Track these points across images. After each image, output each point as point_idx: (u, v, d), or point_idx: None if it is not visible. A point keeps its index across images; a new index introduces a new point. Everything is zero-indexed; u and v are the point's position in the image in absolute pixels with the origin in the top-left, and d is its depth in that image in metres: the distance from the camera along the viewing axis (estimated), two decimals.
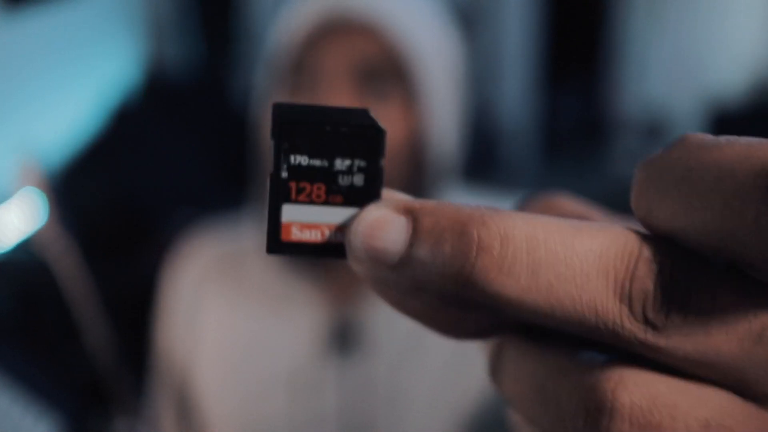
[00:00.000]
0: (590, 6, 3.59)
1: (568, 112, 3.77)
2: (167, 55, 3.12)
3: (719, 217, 0.13)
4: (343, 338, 0.63)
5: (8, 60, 1.95)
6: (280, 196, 0.15)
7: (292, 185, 0.15)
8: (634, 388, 0.14)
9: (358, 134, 0.15)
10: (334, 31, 0.59)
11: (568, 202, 0.19)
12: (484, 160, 3.10)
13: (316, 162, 0.15)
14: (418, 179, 0.63)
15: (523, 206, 0.19)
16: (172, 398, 0.70)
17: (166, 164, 2.38)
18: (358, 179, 0.16)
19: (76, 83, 2.36)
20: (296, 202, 0.16)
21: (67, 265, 1.49)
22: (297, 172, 0.15)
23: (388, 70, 0.59)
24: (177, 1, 3.10)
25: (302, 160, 0.15)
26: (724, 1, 3.21)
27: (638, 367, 0.14)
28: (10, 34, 1.95)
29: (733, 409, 0.14)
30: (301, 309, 0.64)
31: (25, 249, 1.60)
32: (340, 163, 0.15)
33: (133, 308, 1.62)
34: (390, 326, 0.62)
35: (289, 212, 0.16)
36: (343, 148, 0.15)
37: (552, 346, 0.15)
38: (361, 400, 0.61)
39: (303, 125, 0.15)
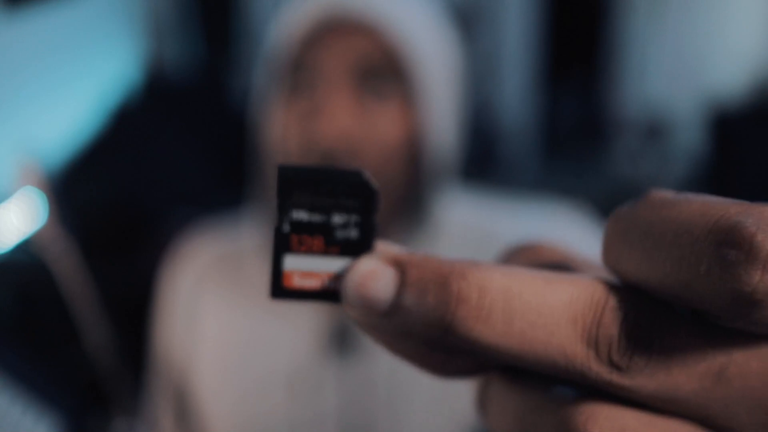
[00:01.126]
0: (590, 6, 3.59)
1: (568, 112, 3.77)
2: (167, 55, 3.12)
3: (677, 270, 0.14)
4: (343, 339, 0.63)
5: (8, 60, 1.95)
6: (282, 247, 0.17)
7: (294, 238, 0.17)
8: (603, 422, 0.15)
9: (353, 193, 0.17)
10: (333, 30, 0.59)
11: (550, 249, 0.21)
12: (483, 160, 3.10)
13: (316, 217, 0.17)
14: (417, 179, 0.63)
15: (509, 252, 0.21)
16: (171, 397, 0.70)
17: (165, 164, 2.38)
18: (354, 233, 0.17)
19: (76, 83, 2.36)
20: (297, 252, 0.17)
21: (67, 266, 1.49)
22: (298, 226, 0.17)
23: (387, 69, 0.59)
24: (177, 1, 3.10)
25: (303, 216, 0.17)
26: (723, 1, 3.21)
27: (609, 403, 0.15)
28: (10, 34, 1.95)
29: None
30: (300, 309, 0.64)
31: (25, 249, 1.60)
32: (338, 219, 0.17)
33: (133, 308, 1.62)
34: None
35: (291, 262, 0.17)
36: (340, 206, 0.17)
37: (532, 383, 0.17)
38: (360, 400, 0.61)
39: (303, 184, 0.17)
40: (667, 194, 0.15)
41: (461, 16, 3.13)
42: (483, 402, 0.18)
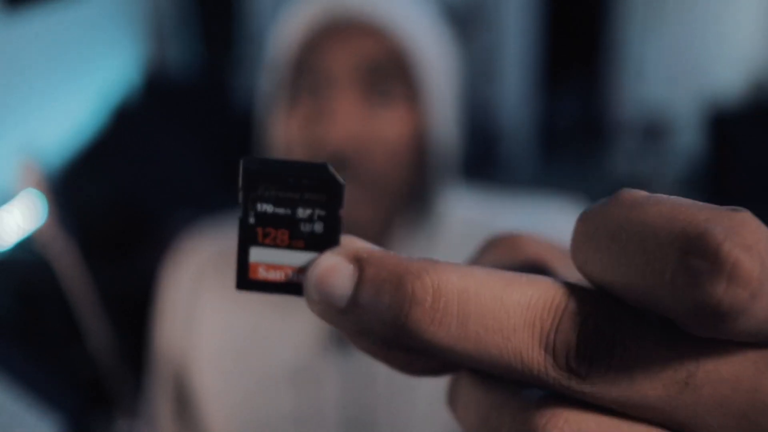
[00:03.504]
0: (589, 7, 3.60)
1: (567, 112, 3.78)
2: (167, 55, 3.12)
3: (642, 274, 0.13)
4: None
5: (9, 60, 1.95)
6: (248, 239, 0.17)
7: (259, 230, 0.17)
8: (564, 425, 0.15)
9: (318, 187, 0.17)
10: (337, 32, 0.59)
11: (530, 241, 0.20)
12: (483, 160, 3.11)
13: (280, 210, 0.17)
14: (421, 176, 0.63)
15: (489, 243, 0.21)
16: (170, 394, 0.71)
17: (165, 165, 2.38)
18: (318, 227, 0.17)
19: (76, 83, 2.37)
20: (262, 245, 0.17)
21: (67, 266, 1.49)
22: (263, 218, 0.17)
23: (392, 70, 0.59)
24: (178, 1, 3.11)
25: (268, 208, 0.17)
26: (722, 2, 3.22)
27: (572, 406, 0.15)
28: (10, 35, 1.95)
29: None
30: (302, 305, 0.65)
31: (26, 249, 1.60)
32: (302, 212, 0.17)
33: (133, 308, 1.62)
34: None
35: (256, 254, 0.17)
36: (305, 199, 0.17)
37: (497, 382, 0.17)
38: (361, 394, 0.62)
39: (268, 177, 0.17)
40: (637, 194, 0.15)
41: (461, 17, 3.14)
42: (452, 398, 0.18)
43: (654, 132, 3.37)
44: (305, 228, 0.17)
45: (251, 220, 0.17)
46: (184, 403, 0.70)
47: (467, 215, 0.68)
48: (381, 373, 0.62)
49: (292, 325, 0.65)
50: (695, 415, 0.14)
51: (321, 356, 0.63)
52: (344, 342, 0.63)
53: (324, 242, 0.17)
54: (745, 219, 0.13)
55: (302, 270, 0.17)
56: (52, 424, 1.10)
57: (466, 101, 0.72)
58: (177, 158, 2.45)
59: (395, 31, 0.59)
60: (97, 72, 2.55)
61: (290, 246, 0.17)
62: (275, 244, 0.17)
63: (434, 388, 0.62)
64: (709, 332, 0.13)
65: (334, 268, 0.16)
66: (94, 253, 1.72)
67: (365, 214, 0.61)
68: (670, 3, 3.26)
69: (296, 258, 0.17)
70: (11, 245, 1.58)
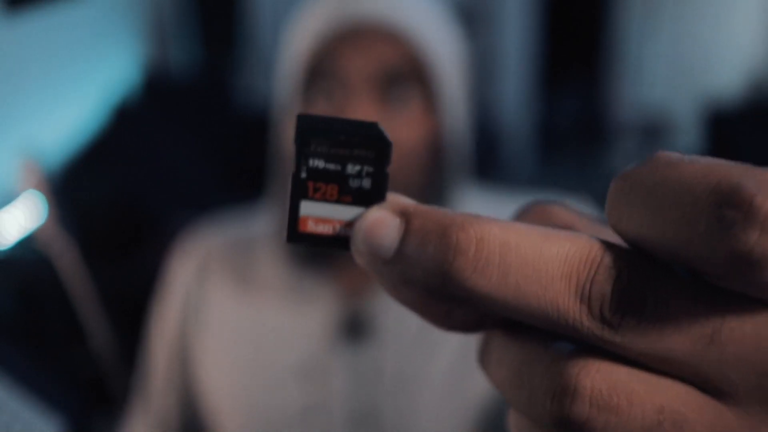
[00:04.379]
0: (589, 8, 3.60)
1: (567, 113, 3.78)
2: (168, 56, 3.12)
3: (677, 229, 0.14)
4: (353, 328, 0.64)
5: (9, 61, 1.95)
6: (299, 193, 0.18)
7: (310, 185, 0.18)
8: (596, 375, 0.15)
9: (367, 144, 0.18)
10: (355, 37, 0.59)
11: (560, 209, 0.21)
12: (483, 160, 3.11)
13: (331, 166, 0.18)
14: (439, 179, 0.64)
15: (522, 211, 0.21)
16: (167, 370, 0.70)
17: (166, 165, 2.38)
18: (366, 183, 0.18)
19: (77, 84, 2.37)
20: (313, 199, 0.18)
21: (67, 266, 1.49)
22: (314, 173, 0.18)
23: (409, 75, 0.60)
24: (178, 2, 3.11)
25: (319, 163, 0.18)
26: (721, 3, 3.22)
27: (603, 357, 0.16)
28: (10, 35, 1.96)
29: (689, 399, 0.15)
30: (311, 299, 0.66)
31: (26, 249, 1.61)
32: (351, 168, 0.18)
33: (133, 308, 1.62)
34: (400, 317, 0.63)
35: (307, 208, 0.18)
36: (354, 156, 0.18)
37: (530, 337, 0.17)
38: (368, 388, 0.62)
39: (321, 134, 0.18)
40: (672, 155, 0.15)
41: (462, 17, 3.14)
42: (484, 355, 0.19)
43: (653, 132, 3.37)
44: (354, 183, 0.18)
45: (303, 174, 0.18)
46: (187, 392, 0.70)
47: (479, 211, 0.69)
48: (388, 368, 0.63)
49: (301, 320, 0.65)
50: (720, 370, 0.15)
51: (329, 351, 0.64)
52: (354, 337, 0.64)
53: (371, 197, 0.18)
54: None
55: (350, 224, 0.18)
56: (53, 423, 1.10)
57: (472, 101, 0.73)
58: (177, 158, 2.45)
59: (412, 37, 0.60)
60: (97, 72, 2.55)
61: (339, 201, 0.18)
62: (325, 199, 0.18)
63: (441, 383, 0.63)
64: (740, 283, 0.14)
65: (381, 220, 0.17)
66: (94, 253, 1.72)
67: None
68: (670, 3, 3.26)
69: (345, 212, 0.18)
70: (11, 244, 1.59)
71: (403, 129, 0.60)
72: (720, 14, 3.22)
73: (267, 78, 3.15)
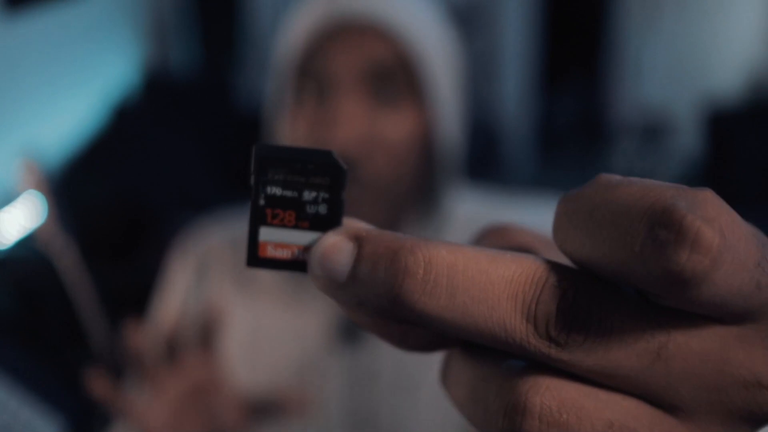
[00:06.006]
0: (589, 8, 3.60)
1: (566, 113, 3.78)
2: (168, 56, 3.12)
3: (615, 249, 0.15)
4: (350, 331, 0.64)
5: (9, 61, 1.95)
6: (258, 219, 0.19)
7: (268, 211, 0.19)
8: (545, 392, 0.16)
9: (322, 172, 0.19)
10: (344, 35, 0.59)
11: (518, 231, 0.22)
12: (482, 160, 3.11)
13: (288, 193, 0.19)
14: (427, 175, 0.64)
15: (480, 233, 0.22)
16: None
17: (166, 165, 2.38)
18: (323, 208, 0.19)
19: (77, 84, 2.37)
20: (271, 225, 0.19)
21: (67, 266, 1.49)
22: (272, 200, 0.19)
23: (398, 73, 0.60)
24: (178, 2, 3.11)
25: (276, 191, 0.19)
26: (721, 3, 3.22)
27: (552, 374, 0.16)
28: (10, 35, 1.96)
29: (639, 413, 0.16)
30: (308, 301, 0.66)
31: (26, 248, 1.61)
32: (308, 195, 0.19)
33: (133, 308, 1.62)
34: None
35: (266, 233, 0.19)
36: (310, 183, 0.19)
37: (485, 356, 0.18)
38: (365, 390, 0.63)
39: (277, 162, 0.19)
40: (613, 178, 0.16)
41: (461, 17, 3.14)
42: (444, 374, 0.20)
43: (653, 132, 3.37)
44: (311, 209, 0.19)
45: (261, 201, 0.19)
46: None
47: (471, 213, 0.69)
48: (384, 370, 0.63)
49: (298, 322, 0.65)
50: (668, 385, 0.15)
51: (326, 352, 0.64)
52: (349, 338, 0.64)
53: (327, 223, 0.19)
54: (708, 196, 0.14)
55: (307, 248, 0.19)
56: (53, 423, 1.10)
57: (466, 101, 0.73)
58: (177, 158, 2.45)
59: (401, 34, 0.60)
60: (97, 72, 2.55)
61: (297, 226, 0.19)
62: (283, 224, 0.19)
63: (436, 386, 0.63)
64: (676, 300, 0.14)
65: (335, 245, 0.17)
66: (94, 253, 1.72)
67: (370, 216, 0.61)
68: (669, 3, 3.26)
69: (302, 237, 0.19)
70: (11, 244, 1.59)
71: (390, 128, 0.60)
72: (720, 14, 3.22)
73: (267, 78, 3.15)
